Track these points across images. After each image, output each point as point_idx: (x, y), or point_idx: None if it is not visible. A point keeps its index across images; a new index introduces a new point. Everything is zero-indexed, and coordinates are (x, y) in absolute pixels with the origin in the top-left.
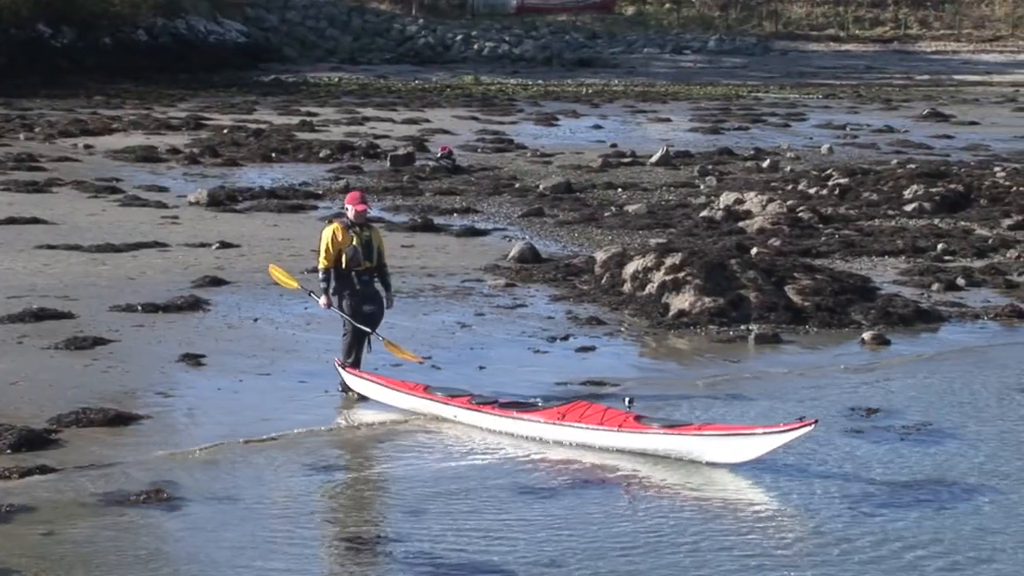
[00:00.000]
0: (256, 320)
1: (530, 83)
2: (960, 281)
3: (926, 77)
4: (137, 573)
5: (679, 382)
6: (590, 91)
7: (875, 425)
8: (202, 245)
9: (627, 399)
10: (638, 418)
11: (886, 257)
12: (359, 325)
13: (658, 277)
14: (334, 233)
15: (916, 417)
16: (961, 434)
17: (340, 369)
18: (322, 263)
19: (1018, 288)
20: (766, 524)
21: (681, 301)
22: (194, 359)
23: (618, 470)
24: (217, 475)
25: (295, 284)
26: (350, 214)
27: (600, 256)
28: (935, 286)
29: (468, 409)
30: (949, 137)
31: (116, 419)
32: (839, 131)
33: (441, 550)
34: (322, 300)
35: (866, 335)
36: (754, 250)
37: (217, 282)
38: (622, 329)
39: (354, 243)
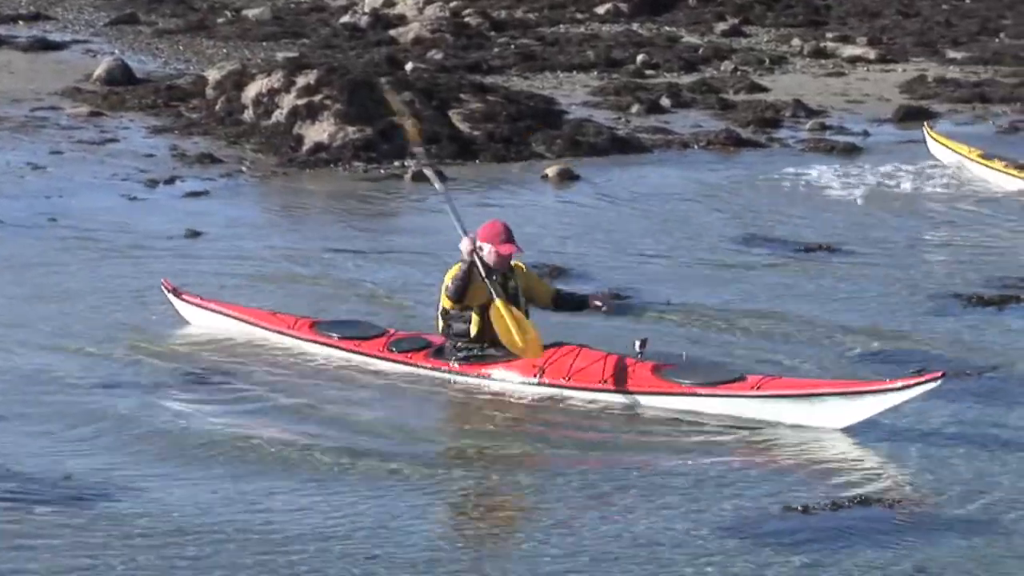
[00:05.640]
0: None
1: None
2: (665, 101)
3: None
4: None
5: (309, 236)
6: None
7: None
8: None
9: (637, 342)
10: (657, 370)
11: (574, 72)
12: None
13: (288, 101)
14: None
15: (615, 281)
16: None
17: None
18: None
19: (735, 109)
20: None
21: (318, 132)
22: None
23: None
24: None
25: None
26: (487, 256)
27: (213, 75)
28: (635, 108)
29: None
30: None
31: None
32: None
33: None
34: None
35: (550, 170)
36: (409, 65)
37: None
38: (243, 168)
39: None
